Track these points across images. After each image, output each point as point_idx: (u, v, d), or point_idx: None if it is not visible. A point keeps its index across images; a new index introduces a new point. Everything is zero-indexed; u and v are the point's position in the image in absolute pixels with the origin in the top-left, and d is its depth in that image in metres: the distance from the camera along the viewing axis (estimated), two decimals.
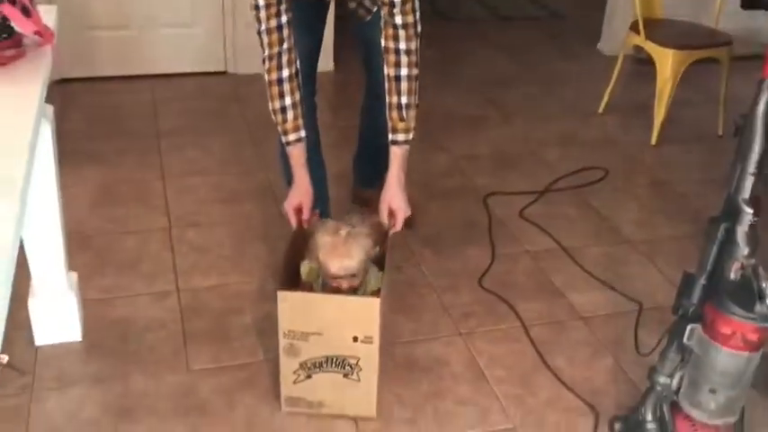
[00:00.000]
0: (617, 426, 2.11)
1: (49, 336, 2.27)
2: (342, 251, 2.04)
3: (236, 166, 3.33)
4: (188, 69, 4.16)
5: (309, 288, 2.18)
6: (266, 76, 2.17)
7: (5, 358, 0.92)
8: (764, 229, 1.78)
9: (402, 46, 2.12)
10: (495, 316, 2.53)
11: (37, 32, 1.72)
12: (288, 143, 2.23)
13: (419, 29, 2.15)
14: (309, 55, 2.46)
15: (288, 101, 2.17)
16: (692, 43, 3.66)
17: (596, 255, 2.88)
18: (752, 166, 1.72)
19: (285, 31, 2.10)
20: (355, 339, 2.00)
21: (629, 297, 2.64)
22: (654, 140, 3.71)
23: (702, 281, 1.84)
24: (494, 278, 2.71)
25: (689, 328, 1.85)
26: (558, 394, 2.24)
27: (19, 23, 1.66)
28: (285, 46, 2.12)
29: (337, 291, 2.07)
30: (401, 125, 2.19)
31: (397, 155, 2.23)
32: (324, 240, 2.07)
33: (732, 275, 1.77)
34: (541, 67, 4.63)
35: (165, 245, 2.80)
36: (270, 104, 2.20)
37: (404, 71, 2.13)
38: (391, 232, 2.23)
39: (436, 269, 2.74)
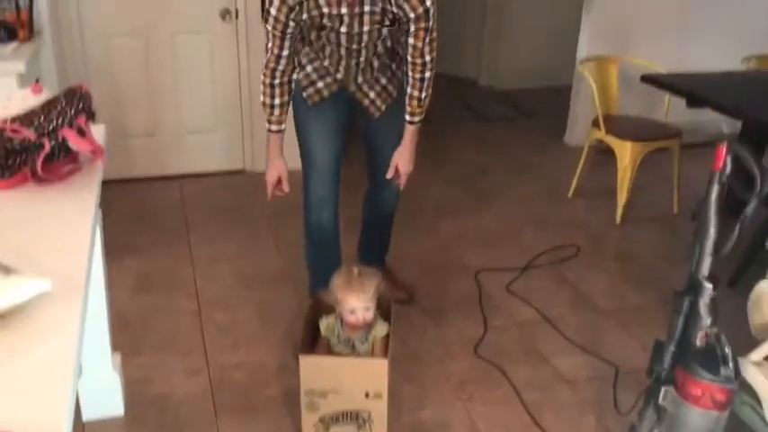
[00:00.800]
0: None
1: (95, 411, 2.25)
2: (356, 286, 2.13)
3: (257, 255, 3.35)
4: (212, 169, 4.21)
5: (328, 342, 2.23)
6: (263, 79, 2.37)
7: None
8: (724, 298, 1.80)
9: (427, 58, 2.33)
10: (490, 382, 2.52)
11: (92, 151, 1.77)
12: (269, 130, 2.45)
13: (435, 41, 2.34)
14: (337, 157, 2.56)
15: (276, 101, 2.39)
16: (646, 136, 3.75)
17: (575, 323, 2.88)
18: (709, 247, 1.75)
19: (283, 58, 2.31)
20: (367, 395, 2.05)
21: (606, 361, 2.64)
22: (618, 220, 3.75)
23: (672, 347, 1.85)
24: (487, 347, 2.71)
25: (663, 389, 1.86)
26: None
27: (77, 144, 1.71)
28: (280, 67, 2.33)
29: (355, 327, 2.14)
30: (418, 110, 2.42)
31: (411, 130, 2.46)
32: (338, 282, 2.14)
33: (698, 342, 1.79)
34: (516, 158, 4.71)
35: (195, 326, 2.80)
36: (262, 98, 2.41)
37: (427, 74, 2.37)
38: (401, 186, 2.55)
39: (436, 340, 2.74)
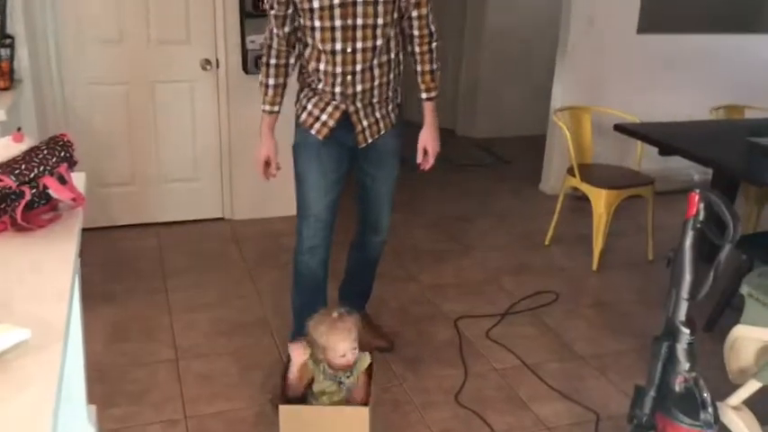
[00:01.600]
0: None
1: None
2: (342, 329, 2.13)
3: (236, 302, 3.33)
4: (190, 217, 4.21)
5: (311, 383, 2.21)
6: (264, 59, 2.46)
7: None
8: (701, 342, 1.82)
9: (432, 28, 2.41)
10: (471, 429, 2.50)
11: (72, 199, 1.76)
12: (263, 110, 2.51)
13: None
14: (332, 207, 2.57)
15: (272, 81, 2.46)
16: (620, 184, 3.82)
17: (554, 369, 2.89)
18: (685, 293, 1.78)
19: (280, 37, 2.39)
20: None
21: (586, 407, 2.64)
22: (595, 266, 3.80)
23: (652, 393, 1.87)
24: (468, 394, 2.70)
25: None
26: None
27: (58, 192, 1.70)
28: (275, 44, 2.42)
29: (346, 366, 2.14)
30: (433, 84, 2.48)
31: (430, 108, 2.52)
32: (323, 329, 2.13)
33: (677, 388, 1.80)
34: (493, 205, 4.77)
35: (172, 375, 2.76)
36: (260, 78, 2.49)
37: (434, 44, 2.44)
38: (427, 167, 2.57)
39: (417, 388, 2.72)
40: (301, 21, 2.32)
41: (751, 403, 2.00)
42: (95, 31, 3.74)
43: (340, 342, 2.12)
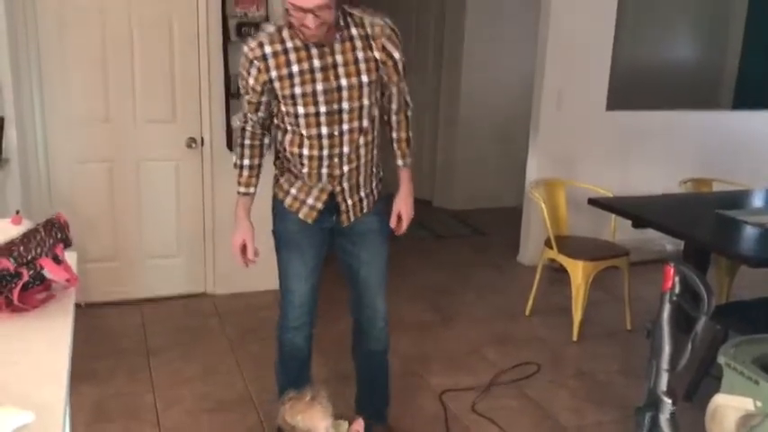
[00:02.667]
0: None
1: None
2: (318, 409, 2.10)
3: (219, 377, 3.31)
4: (172, 293, 4.21)
5: None
6: (238, 140, 2.46)
7: None
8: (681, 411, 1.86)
9: (408, 98, 2.48)
10: None
11: (66, 279, 1.79)
12: (238, 192, 2.47)
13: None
14: (314, 289, 2.55)
15: (246, 161, 2.45)
16: (597, 255, 3.91)
17: None
18: (665, 364, 1.84)
19: (254, 121, 2.41)
20: None
21: None
22: (575, 337, 3.84)
23: None
24: None
25: None
26: None
27: (53, 272, 1.74)
28: (249, 127, 2.42)
29: None
30: (408, 151, 2.53)
31: (406, 174, 2.55)
32: (300, 416, 2.11)
33: None
34: (473, 276, 4.83)
35: None
36: (235, 160, 2.48)
37: (409, 113, 2.50)
38: (399, 232, 2.55)
39: None
40: (282, 107, 2.30)
41: None
42: (82, 111, 3.82)
43: (320, 422, 2.10)
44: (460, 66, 6.20)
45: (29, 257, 1.67)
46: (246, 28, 3.83)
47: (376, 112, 2.40)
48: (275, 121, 2.39)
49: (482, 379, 3.38)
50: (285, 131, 2.36)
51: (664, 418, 1.83)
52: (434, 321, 4.06)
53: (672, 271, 1.79)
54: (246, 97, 2.35)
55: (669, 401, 1.82)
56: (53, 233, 1.75)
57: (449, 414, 3.06)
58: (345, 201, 2.43)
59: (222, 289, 4.27)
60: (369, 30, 2.27)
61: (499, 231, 5.78)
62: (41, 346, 1.58)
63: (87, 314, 3.89)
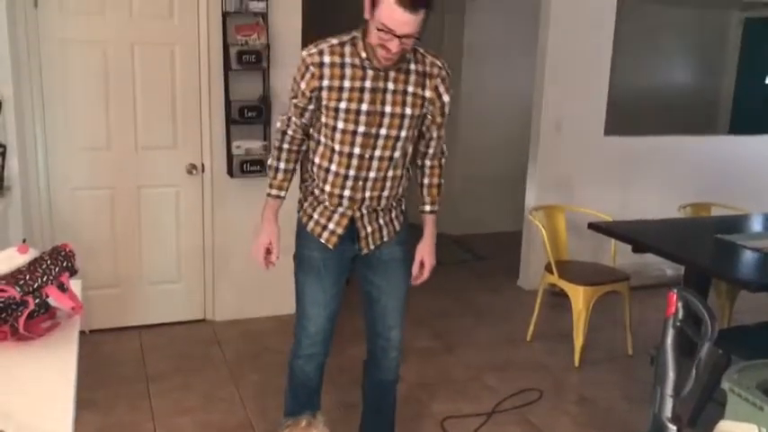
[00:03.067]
0: None
1: None
2: None
3: (220, 405, 3.30)
4: (172, 319, 4.20)
5: None
6: (274, 143, 2.47)
7: None
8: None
9: (444, 147, 2.52)
10: None
11: (72, 307, 1.80)
12: (269, 195, 2.48)
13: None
14: (332, 318, 2.53)
15: (282, 165, 2.45)
16: (597, 280, 3.92)
17: None
18: (669, 390, 1.85)
19: (297, 125, 2.40)
20: None
21: None
22: (576, 363, 3.84)
23: None
24: None
25: None
26: None
27: (59, 300, 1.75)
28: (290, 131, 2.41)
29: None
30: (438, 198, 2.58)
31: (431, 221, 2.59)
32: None
33: None
34: (473, 301, 4.84)
35: None
36: (270, 161, 2.47)
37: (443, 161, 2.54)
38: (418, 282, 2.55)
39: None
40: (323, 118, 2.31)
41: None
42: (84, 139, 3.84)
43: None
44: (459, 90, 6.25)
45: (35, 286, 1.68)
46: (247, 56, 3.87)
47: (409, 150, 2.43)
48: (311, 131, 2.40)
49: (484, 406, 3.37)
50: (318, 143, 2.37)
51: None
52: (435, 347, 4.06)
53: (675, 297, 1.81)
54: (295, 101, 2.36)
55: (674, 428, 1.83)
56: (59, 261, 1.76)
57: None
58: (365, 227, 2.43)
59: (222, 315, 4.27)
60: (428, 68, 2.31)
61: (499, 256, 5.79)
62: (47, 375, 1.59)
63: (87, 341, 3.85)
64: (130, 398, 3.34)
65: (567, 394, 3.59)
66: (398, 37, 2.09)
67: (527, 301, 4.45)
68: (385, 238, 2.48)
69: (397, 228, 2.51)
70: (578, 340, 3.84)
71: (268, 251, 2.47)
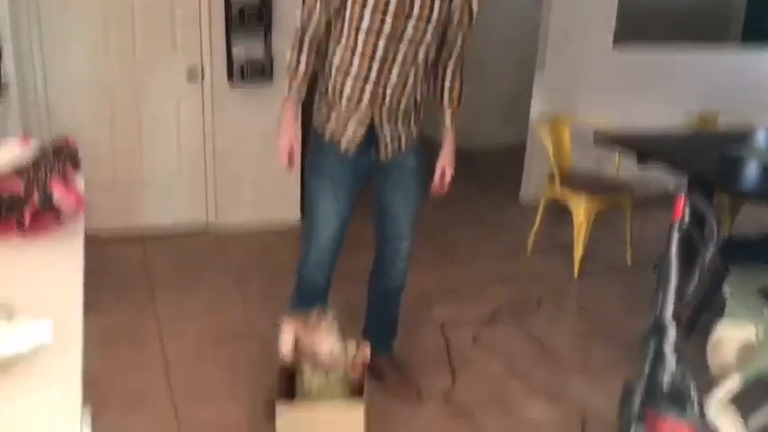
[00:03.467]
0: None
1: None
2: (324, 329, 2.16)
3: (223, 309, 3.36)
4: (174, 222, 4.20)
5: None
6: (293, 42, 2.39)
7: None
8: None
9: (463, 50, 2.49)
10: (462, 430, 2.57)
11: (75, 203, 1.80)
12: (289, 94, 2.41)
13: None
14: (342, 228, 2.53)
15: (303, 60, 2.37)
16: (600, 191, 3.92)
17: (540, 374, 2.96)
18: (672, 293, 1.87)
19: (317, 19, 2.33)
20: None
21: (572, 409, 2.72)
22: (576, 274, 3.88)
23: (641, 389, 1.94)
24: (456, 397, 2.76)
25: (633, 429, 1.94)
26: None
27: (64, 196, 1.74)
28: (311, 28, 2.35)
29: (334, 362, 2.19)
30: (458, 104, 2.59)
31: (450, 130, 2.61)
32: (306, 339, 2.17)
33: (665, 383, 1.88)
34: (474, 215, 4.85)
35: (163, 383, 2.78)
36: (288, 60, 2.40)
37: (462, 66, 2.54)
38: (441, 192, 2.61)
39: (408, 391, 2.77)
40: (347, 15, 2.24)
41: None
42: (82, 41, 3.77)
43: (324, 342, 2.18)
44: None
45: (39, 181, 1.67)
46: None
47: (432, 55, 2.39)
48: (331, 33, 2.33)
49: (483, 314, 3.43)
50: (338, 45, 2.31)
51: (668, 345, 1.86)
52: (436, 259, 4.09)
53: (682, 201, 1.81)
54: None
55: (674, 329, 1.86)
56: (62, 156, 1.74)
57: (450, 346, 3.12)
58: (384, 135, 2.40)
59: (225, 223, 4.28)
60: None
61: (501, 170, 5.77)
62: (54, 268, 1.60)
63: (90, 246, 3.89)
64: (135, 302, 3.40)
65: (565, 304, 3.65)
66: None
67: (528, 213, 4.46)
68: (403, 148, 2.47)
69: (414, 135, 2.50)
70: (578, 251, 3.87)
71: (291, 153, 2.44)
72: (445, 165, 2.57)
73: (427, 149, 2.59)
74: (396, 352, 2.87)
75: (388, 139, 2.42)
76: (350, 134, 2.39)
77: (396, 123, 2.41)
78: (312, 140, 2.49)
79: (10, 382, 1.15)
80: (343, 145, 2.40)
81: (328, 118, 2.41)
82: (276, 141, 2.45)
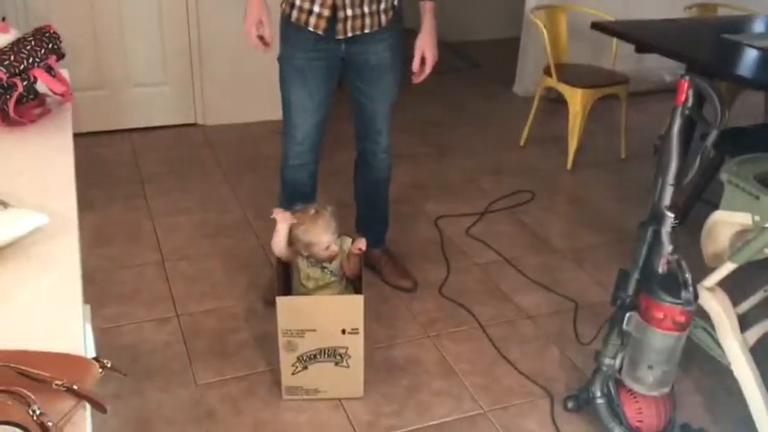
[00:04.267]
0: (570, 404, 2.21)
1: None
2: (322, 222, 2.16)
3: (216, 205, 3.34)
4: (161, 123, 4.14)
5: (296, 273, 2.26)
6: None
7: (108, 363, 0.96)
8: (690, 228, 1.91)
9: None
10: (456, 319, 2.62)
11: (62, 93, 1.74)
12: None
13: None
14: (319, 125, 2.46)
15: None
16: (596, 82, 3.85)
17: (533, 263, 3.00)
18: (671, 179, 1.85)
19: None
20: (343, 332, 2.11)
21: (565, 297, 2.77)
22: (569, 166, 3.87)
23: (636, 275, 1.96)
24: (451, 287, 2.80)
25: (627, 315, 1.97)
26: (517, 382, 2.33)
27: (49, 84, 1.68)
28: None
29: (331, 256, 2.19)
30: None
31: (430, 8, 2.39)
32: (303, 227, 2.17)
33: (660, 269, 1.90)
34: (467, 108, 4.78)
35: (160, 276, 2.79)
36: None
37: None
38: (421, 78, 2.41)
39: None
40: None
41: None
42: None
43: (322, 235, 2.17)
44: None
45: (21, 67, 1.60)
46: None
47: None
48: None
49: (477, 206, 3.43)
50: None
51: (665, 231, 1.86)
52: (429, 153, 4.06)
53: (686, 84, 1.76)
54: None
55: (671, 216, 1.86)
56: (44, 43, 1.67)
57: (444, 238, 3.14)
58: (345, 9, 2.26)
59: (212, 120, 4.21)
60: None
61: (494, 63, 5.65)
62: (45, 159, 1.56)
63: (78, 143, 3.82)
64: (127, 198, 3.37)
65: (558, 195, 3.65)
66: None
67: (522, 107, 4.40)
68: (366, 29, 2.31)
69: (383, 22, 2.34)
70: (573, 143, 3.84)
71: (261, 37, 2.32)
72: (424, 48, 2.38)
73: (411, 40, 2.46)
74: (389, 246, 2.88)
75: (350, 15, 2.27)
76: (317, 11, 2.25)
77: (361, 4, 2.26)
78: (281, 32, 2.36)
79: (9, 268, 1.13)
80: (312, 26, 2.27)
81: (293, 3, 2.28)
82: (244, 21, 2.31)
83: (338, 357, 2.13)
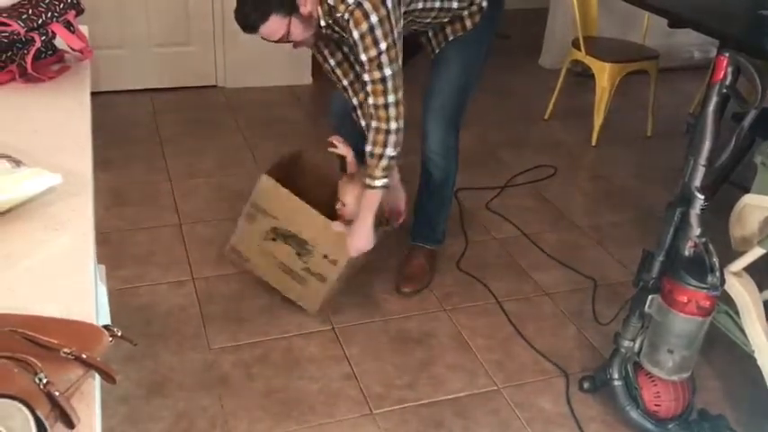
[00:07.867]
0: (586, 384, 2.17)
1: None
2: (356, 183, 2.22)
3: (235, 169, 3.30)
4: (182, 84, 4.09)
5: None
6: None
7: (119, 332, 0.93)
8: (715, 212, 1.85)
9: (370, 101, 2.06)
10: (472, 294, 2.58)
11: (81, 49, 1.69)
12: None
13: (392, 83, 2.07)
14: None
15: None
16: (625, 57, 3.75)
17: (553, 240, 2.94)
18: (703, 159, 1.79)
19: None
20: (325, 257, 2.19)
21: (584, 275, 2.72)
22: (594, 141, 3.79)
23: (660, 257, 1.91)
24: (469, 262, 2.75)
25: (649, 298, 1.92)
26: (533, 359, 2.29)
27: (68, 40, 1.63)
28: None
29: (338, 216, 2.25)
30: (368, 170, 2.10)
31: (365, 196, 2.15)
32: (344, 179, 2.30)
33: (687, 252, 1.84)
34: (492, 80, 4.64)
35: (177, 239, 2.77)
36: None
37: (373, 123, 2.07)
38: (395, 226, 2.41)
39: None
40: None
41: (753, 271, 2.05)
42: None
43: (345, 195, 2.21)
44: None
45: (39, 22, 1.56)
46: None
47: None
48: None
49: (498, 180, 3.37)
50: None
51: (694, 213, 1.80)
52: None
53: (725, 61, 1.68)
54: None
55: (701, 197, 1.79)
56: None
57: (463, 211, 3.09)
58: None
59: (234, 82, 4.15)
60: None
61: (520, 35, 5.52)
62: (61, 116, 1.52)
63: (97, 102, 3.79)
64: (146, 159, 3.34)
65: (581, 171, 3.58)
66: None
67: (548, 79, 4.30)
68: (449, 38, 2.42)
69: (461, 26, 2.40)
70: (598, 119, 3.75)
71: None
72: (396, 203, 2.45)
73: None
74: (426, 246, 2.69)
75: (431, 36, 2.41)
76: None
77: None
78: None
79: (20, 229, 1.10)
80: None
81: None
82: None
83: (304, 250, 2.21)
